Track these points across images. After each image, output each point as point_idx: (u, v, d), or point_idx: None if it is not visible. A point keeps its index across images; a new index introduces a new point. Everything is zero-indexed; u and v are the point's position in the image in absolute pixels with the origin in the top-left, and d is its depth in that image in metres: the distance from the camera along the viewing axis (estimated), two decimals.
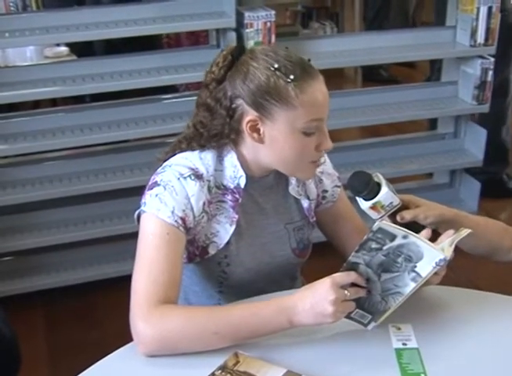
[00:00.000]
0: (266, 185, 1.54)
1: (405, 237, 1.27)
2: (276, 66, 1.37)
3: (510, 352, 1.36)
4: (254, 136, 1.42)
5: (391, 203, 1.45)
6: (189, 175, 1.43)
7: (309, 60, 1.43)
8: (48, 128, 2.81)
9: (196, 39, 4.34)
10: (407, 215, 1.46)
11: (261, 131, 1.41)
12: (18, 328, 1.83)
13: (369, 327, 1.39)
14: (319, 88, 1.39)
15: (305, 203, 1.60)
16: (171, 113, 2.93)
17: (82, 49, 3.72)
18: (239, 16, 2.77)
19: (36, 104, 3.75)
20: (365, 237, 1.28)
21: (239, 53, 1.43)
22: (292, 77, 1.36)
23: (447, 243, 1.34)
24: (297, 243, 1.59)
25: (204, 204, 1.44)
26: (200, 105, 1.47)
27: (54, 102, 3.92)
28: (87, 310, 2.85)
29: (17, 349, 1.81)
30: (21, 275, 2.90)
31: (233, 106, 1.41)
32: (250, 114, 1.40)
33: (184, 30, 3.65)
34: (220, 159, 1.48)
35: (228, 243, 1.49)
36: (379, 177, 1.48)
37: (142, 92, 3.00)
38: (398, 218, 1.46)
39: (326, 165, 1.63)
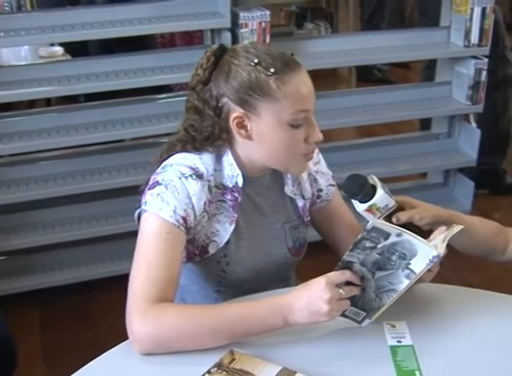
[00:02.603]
0: (262, 185, 1.55)
1: (398, 235, 1.28)
2: (256, 60, 1.38)
3: (504, 349, 1.37)
4: (241, 133, 1.43)
5: (387, 205, 1.46)
6: (191, 175, 1.43)
7: (292, 54, 1.44)
8: (43, 128, 2.81)
9: (191, 39, 4.34)
10: (403, 217, 1.47)
11: (248, 128, 1.42)
12: (13, 327, 1.83)
13: (364, 324, 1.40)
14: (301, 80, 1.40)
15: (300, 202, 1.60)
16: (165, 112, 2.93)
17: (77, 49, 3.71)
18: (234, 16, 2.78)
19: (31, 104, 3.74)
20: (359, 236, 1.29)
21: (221, 53, 1.44)
22: (272, 70, 1.38)
23: (440, 239, 1.35)
24: (293, 242, 1.60)
25: (205, 203, 1.44)
26: (190, 108, 1.49)
27: (49, 101, 3.92)
28: (82, 309, 2.85)
29: (13, 348, 1.82)
30: (16, 274, 2.89)
31: (219, 105, 1.42)
32: (236, 111, 1.41)
33: (179, 29, 3.64)
34: (218, 159, 1.49)
35: (227, 242, 1.50)
36: (374, 179, 1.49)
37: (137, 91, 3.00)
38: (393, 219, 1.47)
39: (321, 164, 1.64)
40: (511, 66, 3.61)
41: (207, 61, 1.45)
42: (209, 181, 1.45)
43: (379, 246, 1.29)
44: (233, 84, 1.39)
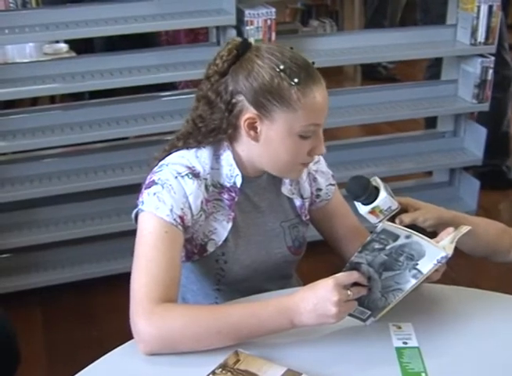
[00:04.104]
0: (260, 184, 1.54)
1: (407, 237, 1.28)
2: (282, 67, 1.37)
3: (511, 351, 1.36)
4: (250, 134, 1.42)
5: (390, 207, 1.45)
6: (187, 174, 1.42)
7: (313, 63, 1.43)
8: (47, 125, 2.81)
9: (195, 37, 4.35)
10: (406, 219, 1.46)
11: (258, 130, 1.41)
12: (16, 326, 1.83)
13: (368, 322, 1.39)
14: (320, 94, 1.39)
15: (298, 201, 1.60)
16: (170, 110, 2.93)
17: (81, 46, 3.72)
18: (240, 14, 2.77)
19: (35, 101, 3.75)
20: (368, 238, 1.29)
21: (244, 49, 1.42)
22: (296, 80, 1.36)
23: (448, 240, 1.35)
24: (292, 240, 1.59)
25: (202, 202, 1.44)
26: (201, 97, 1.47)
27: (53, 99, 3.92)
28: (85, 308, 2.84)
29: (16, 347, 1.81)
30: (19, 272, 2.89)
31: (233, 101, 1.41)
32: (250, 112, 1.40)
33: (184, 27, 3.64)
34: (216, 157, 1.48)
35: (225, 240, 1.50)
36: (377, 181, 1.48)
37: (141, 89, 3.00)
38: (397, 221, 1.46)
39: (321, 164, 1.63)
40: (509, 67, 3.60)
41: (228, 53, 1.42)
42: (205, 179, 1.45)
43: (387, 247, 1.28)
44: (253, 85, 1.38)
